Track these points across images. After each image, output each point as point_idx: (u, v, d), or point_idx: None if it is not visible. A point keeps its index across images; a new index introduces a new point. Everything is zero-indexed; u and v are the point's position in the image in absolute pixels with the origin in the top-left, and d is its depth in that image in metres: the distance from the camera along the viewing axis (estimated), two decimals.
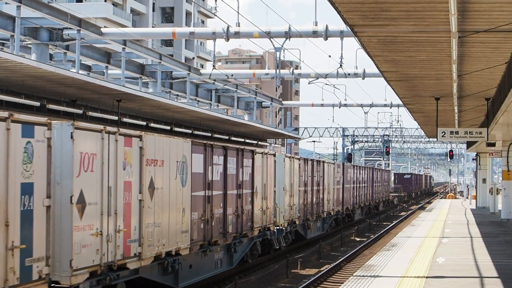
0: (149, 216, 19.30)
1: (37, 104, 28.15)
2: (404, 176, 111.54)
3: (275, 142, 72.68)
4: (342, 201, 49.38)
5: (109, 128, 17.33)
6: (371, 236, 45.26)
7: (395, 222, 57.90)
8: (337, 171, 47.61)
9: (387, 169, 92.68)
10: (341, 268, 30.95)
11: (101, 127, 17.08)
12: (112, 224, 17.42)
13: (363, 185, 59.94)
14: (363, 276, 20.68)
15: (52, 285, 15.47)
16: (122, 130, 18.15)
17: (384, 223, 58.65)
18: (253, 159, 28.26)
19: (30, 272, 14.28)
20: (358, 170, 57.99)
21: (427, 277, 20.42)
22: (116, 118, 33.31)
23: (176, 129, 41.48)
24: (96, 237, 16.72)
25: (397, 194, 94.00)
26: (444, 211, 58.53)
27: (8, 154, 13.69)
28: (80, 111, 30.89)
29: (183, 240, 21.48)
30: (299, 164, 36.69)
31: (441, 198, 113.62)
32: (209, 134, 46.67)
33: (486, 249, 28.44)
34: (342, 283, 21.49)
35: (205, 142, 23.70)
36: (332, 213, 45.44)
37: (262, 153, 29.72)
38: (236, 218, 26.49)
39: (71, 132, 15.89)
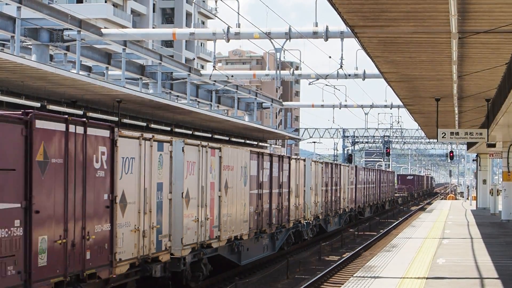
0: (224, 208, 25.17)
1: (38, 105, 28.17)
2: (407, 177, 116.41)
3: (276, 143, 72.69)
4: (355, 199, 54.62)
5: (203, 143, 23.36)
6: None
7: (400, 220, 61.16)
8: (351, 173, 52.56)
9: (391, 170, 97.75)
10: (342, 269, 30.95)
11: (198, 142, 23.16)
12: (203, 214, 23.30)
13: (372, 185, 64.91)
14: (363, 277, 20.67)
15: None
16: (211, 144, 24.14)
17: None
18: (289, 164, 33.95)
19: (161, 244, 19.96)
20: (367, 172, 63.06)
21: (427, 278, 20.42)
22: (116, 119, 33.31)
23: (176, 130, 41.49)
24: (195, 223, 22.57)
25: (401, 194, 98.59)
26: (444, 212, 58.53)
27: (152, 163, 19.35)
28: (81, 112, 30.91)
29: (244, 228, 27.41)
30: (322, 167, 41.83)
31: (442, 199, 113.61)
32: (210, 135, 46.68)
33: (486, 250, 28.43)
34: (343, 284, 21.48)
35: (258, 151, 30.19)
36: (347, 210, 50.84)
37: (296, 159, 35.85)
38: (278, 212, 32.11)
39: (182, 147, 21.55)
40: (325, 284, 27.05)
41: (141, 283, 19.72)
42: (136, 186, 18.46)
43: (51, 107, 28.80)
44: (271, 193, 30.81)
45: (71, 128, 15.09)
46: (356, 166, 56.95)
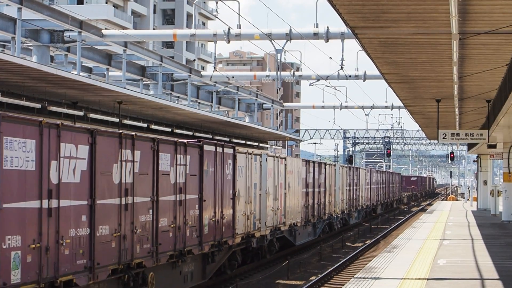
0: (288, 202, 33.87)
1: (38, 106, 28.17)
2: (411, 179, 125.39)
3: (276, 144, 72.69)
4: (370, 198, 63.73)
5: (276, 155, 32.16)
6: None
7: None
8: (366, 175, 61.54)
9: (398, 173, 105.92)
10: (342, 270, 30.95)
11: (274, 154, 32.43)
12: (277, 205, 31.95)
13: (382, 186, 73.99)
14: (364, 278, 20.68)
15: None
16: (281, 156, 33.10)
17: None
18: (325, 168, 43.38)
19: (255, 225, 28.80)
20: (379, 174, 72.41)
21: (428, 279, 20.42)
22: (117, 120, 33.32)
23: (177, 131, 41.50)
24: (272, 211, 31.21)
25: (406, 194, 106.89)
26: (445, 213, 58.53)
27: (251, 169, 28.15)
28: (81, 113, 30.91)
29: (298, 217, 36.17)
30: (346, 170, 50.96)
31: (442, 200, 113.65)
32: (210, 136, 46.70)
33: (487, 251, 28.43)
34: (343, 285, 21.49)
35: (307, 160, 39.87)
36: (364, 207, 59.94)
37: (330, 164, 45.67)
38: (318, 206, 41.14)
39: (266, 158, 30.16)
40: (325, 285, 27.05)
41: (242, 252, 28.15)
42: (244, 185, 27.32)
43: (52, 108, 28.80)
44: (313, 192, 40.04)
45: (218, 149, 23.75)
46: (370, 169, 66.25)
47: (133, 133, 17.97)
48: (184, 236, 20.84)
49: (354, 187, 54.07)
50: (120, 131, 17.34)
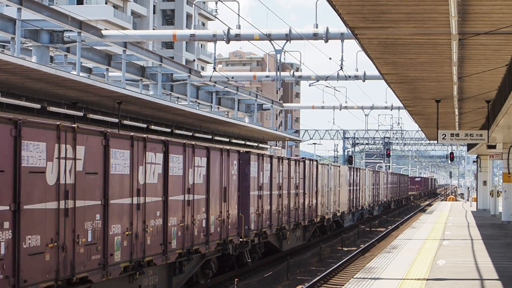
0: (341, 196, 47.71)
1: (38, 106, 28.17)
2: (415, 179, 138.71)
3: (276, 145, 72.68)
4: (386, 195, 77.38)
5: (337, 164, 44.22)
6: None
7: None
8: (383, 176, 74.79)
9: (405, 174, 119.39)
10: (342, 270, 30.94)
11: (328, 163, 45.14)
12: (335, 198, 44.82)
13: (395, 185, 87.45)
14: (363, 278, 20.68)
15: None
16: (335, 164, 44.51)
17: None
18: (359, 172, 57.46)
19: (325, 211, 42.02)
20: (393, 175, 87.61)
21: (427, 279, 20.42)
22: (116, 120, 33.32)
23: (177, 131, 41.50)
24: (333, 202, 44.00)
25: (412, 193, 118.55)
26: (444, 213, 58.52)
27: (322, 174, 41.00)
28: (81, 114, 30.91)
29: (346, 208, 49.77)
30: (371, 173, 64.91)
31: (442, 200, 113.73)
32: (210, 137, 46.70)
33: (486, 251, 28.43)
34: (343, 285, 21.49)
35: (350, 166, 55.28)
36: (382, 202, 73.72)
37: (362, 169, 60.41)
38: (356, 200, 55.44)
39: (330, 167, 43.56)
40: (326, 285, 27.04)
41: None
42: (320, 184, 40.63)
43: (51, 108, 28.80)
44: (353, 189, 53.85)
45: (311, 163, 37.55)
46: (386, 172, 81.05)
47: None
48: (289, 214, 33.25)
49: (376, 186, 68.49)
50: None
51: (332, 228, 46.80)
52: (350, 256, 34.82)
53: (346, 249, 39.77)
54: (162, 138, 19.94)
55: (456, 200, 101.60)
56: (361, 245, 40.46)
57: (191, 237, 21.05)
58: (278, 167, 31.27)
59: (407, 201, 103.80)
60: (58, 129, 14.42)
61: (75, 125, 15.19)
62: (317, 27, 36.27)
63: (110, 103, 32.67)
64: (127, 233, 17.21)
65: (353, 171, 54.52)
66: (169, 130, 40.19)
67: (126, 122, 35.16)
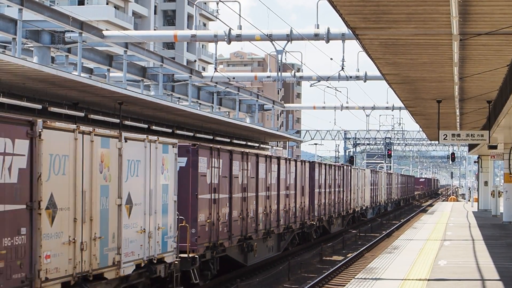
0: (365, 194, 57.99)
1: (39, 107, 28.18)
2: (420, 180, 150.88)
3: (277, 145, 72.68)
4: (397, 194, 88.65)
5: (363, 168, 54.46)
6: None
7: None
8: (395, 177, 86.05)
9: (412, 175, 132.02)
10: (343, 270, 30.95)
11: (363, 168, 58.49)
12: (361, 195, 54.48)
13: (403, 185, 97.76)
14: (364, 278, 20.68)
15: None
16: (363, 168, 55.06)
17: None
18: (377, 173, 68.00)
19: (358, 204, 55.42)
20: (403, 176, 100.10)
21: (428, 280, 20.42)
22: (117, 121, 33.33)
23: (178, 132, 41.51)
24: (360, 198, 53.73)
25: (417, 192, 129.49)
26: (445, 214, 58.51)
27: (357, 177, 55.18)
28: (82, 114, 30.91)
29: (368, 202, 59.20)
30: (386, 174, 76.37)
31: (443, 200, 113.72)
32: (211, 137, 46.71)
33: (487, 251, 28.43)
34: (344, 285, 21.49)
35: (372, 169, 65.29)
36: (394, 200, 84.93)
37: (379, 171, 71.15)
38: (375, 197, 66.09)
39: (359, 170, 55.15)
40: (327, 286, 27.05)
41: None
42: (356, 184, 49.50)
43: (53, 109, 28.81)
44: (373, 188, 64.40)
45: (359, 171, 52.66)
46: (397, 173, 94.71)
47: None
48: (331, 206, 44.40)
49: (389, 186, 79.70)
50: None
51: (359, 219, 59.16)
52: (351, 256, 34.83)
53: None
54: (263, 154, 30.31)
55: (457, 201, 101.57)
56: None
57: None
58: (329, 171, 44.15)
59: (413, 200, 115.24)
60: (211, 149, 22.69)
61: (219, 147, 23.56)
62: (318, 28, 36.27)
63: (111, 103, 32.68)
64: (265, 212, 29.60)
65: (373, 173, 66.13)
66: (170, 130, 40.20)
67: (127, 122, 35.16)
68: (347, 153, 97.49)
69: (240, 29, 37.02)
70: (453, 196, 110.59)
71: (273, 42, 37.55)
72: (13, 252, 13.03)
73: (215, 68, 42.76)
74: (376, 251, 37.66)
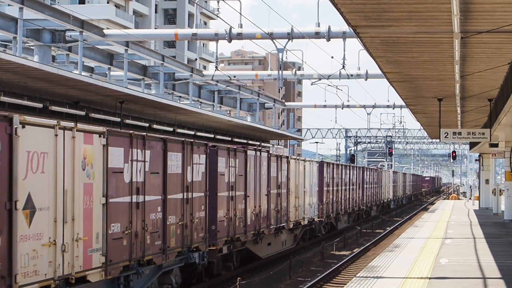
0: (392, 190, 78.84)
1: (40, 105, 28.17)
2: (425, 178, 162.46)
3: (278, 143, 72.66)
4: (410, 190, 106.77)
5: (387, 170, 74.18)
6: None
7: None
8: (409, 176, 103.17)
9: (420, 174, 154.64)
10: (344, 268, 30.94)
11: (388, 170, 79.99)
12: (389, 191, 75.63)
13: (414, 183, 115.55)
14: (366, 277, 20.67)
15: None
16: (386, 170, 71.70)
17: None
18: (396, 173, 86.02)
19: (387, 197, 76.66)
20: (413, 176, 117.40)
21: (430, 278, 20.41)
22: (118, 119, 33.33)
23: (179, 130, 41.50)
24: (387, 193, 75.36)
25: (424, 189, 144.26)
26: (447, 212, 58.50)
27: (381, 177, 70.58)
28: (83, 113, 30.91)
29: (391, 196, 75.27)
30: (402, 174, 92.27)
31: (444, 199, 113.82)
32: (212, 136, 46.70)
33: (489, 250, 28.42)
34: (345, 284, 21.48)
35: (394, 171, 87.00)
36: (407, 195, 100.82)
37: (397, 172, 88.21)
38: (394, 192, 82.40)
39: (381, 170, 70.93)
40: (328, 284, 27.04)
41: None
42: (386, 182, 69.03)
43: (53, 108, 28.80)
44: (391, 186, 75.21)
45: (387, 172, 70.68)
46: (410, 173, 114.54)
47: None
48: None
49: (404, 183, 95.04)
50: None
51: (386, 208, 76.36)
52: (352, 255, 34.83)
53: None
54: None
55: (459, 199, 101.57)
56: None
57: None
58: (366, 173, 58.61)
59: (420, 195, 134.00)
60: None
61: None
62: (319, 26, 36.24)
63: (112, 102, 32.67)
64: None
65: (394, 174, 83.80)
66: (171, 129, 40.20)
67: (128, 121, 35.15)
68: (348, 152, 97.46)
69: (241, 27, 36.99)
70: (454, 194, 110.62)
71: (274, 40, 37.52)
72: None
73: (216, 67, 42.72)
74: (378, 250, 37.66)
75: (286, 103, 72.24)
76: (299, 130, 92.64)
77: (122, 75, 41.34)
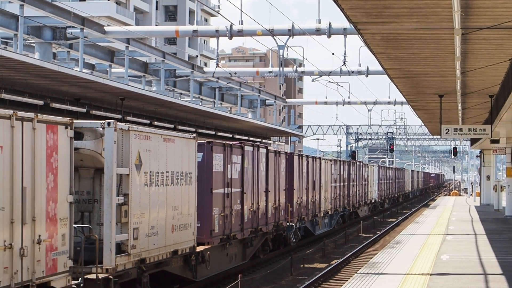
0: (404, 184, 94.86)
1: (41, 103, 28.19)
2: (431, 175, 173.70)
3: (279, 140, 72.68)
4: (422, 185, 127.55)
5: (406, 169, 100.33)
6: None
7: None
8: (418, 173, 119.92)
9: (427, 171, 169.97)
10: (346, 265, 30.96)
11: (409, 169, 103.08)
12: (410, 186, 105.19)
13: (422, 179, 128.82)
14: (367, 273, 20.69)
15: None
16: (402, 168, 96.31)
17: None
18: (407, 171, 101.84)
19: (404, 190, 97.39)
20: (421, 173, 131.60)
21: (431, 274, 20.42)
22: (119, 116, 33.34)
23: (180, 127, 41.51)
24: (404, 187, 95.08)
25: (430, 184, 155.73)
26: (448, 208, 58.52)
27: (398, 175, 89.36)
28: (84, 110, 30.91)
29: (409, 189, 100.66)
30: (411, 171, 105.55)
31: (445, 195, 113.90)
32: (213, 132, 46.71)
33: (490, 246, 28.43)
34: (347, 280, 21.50)
35: (411, 169, 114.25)
36: (419, 188, 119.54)
37: (413, 170, 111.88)
38: (411, 187, 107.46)
39: (400, 168, 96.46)
40: (329, 281, 27.06)
41: None
42: (408, 181, 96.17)
43: (54, 105, 28.81)
44: (411, 181, 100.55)
45: (402, 170, 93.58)
46: (422, 171, 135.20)
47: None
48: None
49: (417, 179, 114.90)
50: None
51: (409, 197, 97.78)
52: (355, 250, 34.87)
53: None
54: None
55: (460, 195, 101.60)
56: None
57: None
58: (387, 172, 73.30)
59: (428, 190, 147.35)
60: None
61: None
62: (319, 23, 36.24)
63: (113, 99, 32.67)
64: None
65: (411, 171, 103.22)
66: (172, 126, 40.20)
67: (129, 118, 35.16)
68: (349, 148, 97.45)
69: (242, 24, 36.98)
70: (456, 191, 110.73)
71: (274, 37, 37.52)
72: None
73: (217, 64, 42.72)
74: (379, 246, 37.68)
75: (287, 100, 72.25)
76: (300, 127, 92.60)
77: (123, 72, 41.35)
